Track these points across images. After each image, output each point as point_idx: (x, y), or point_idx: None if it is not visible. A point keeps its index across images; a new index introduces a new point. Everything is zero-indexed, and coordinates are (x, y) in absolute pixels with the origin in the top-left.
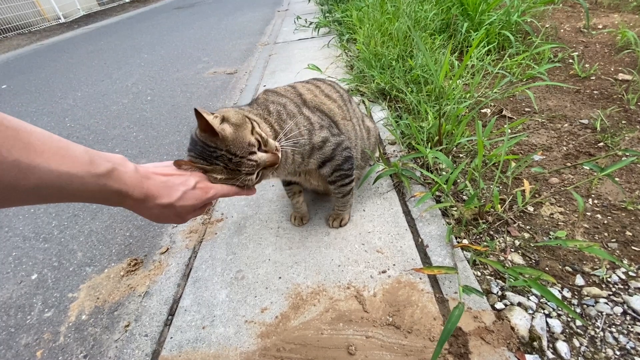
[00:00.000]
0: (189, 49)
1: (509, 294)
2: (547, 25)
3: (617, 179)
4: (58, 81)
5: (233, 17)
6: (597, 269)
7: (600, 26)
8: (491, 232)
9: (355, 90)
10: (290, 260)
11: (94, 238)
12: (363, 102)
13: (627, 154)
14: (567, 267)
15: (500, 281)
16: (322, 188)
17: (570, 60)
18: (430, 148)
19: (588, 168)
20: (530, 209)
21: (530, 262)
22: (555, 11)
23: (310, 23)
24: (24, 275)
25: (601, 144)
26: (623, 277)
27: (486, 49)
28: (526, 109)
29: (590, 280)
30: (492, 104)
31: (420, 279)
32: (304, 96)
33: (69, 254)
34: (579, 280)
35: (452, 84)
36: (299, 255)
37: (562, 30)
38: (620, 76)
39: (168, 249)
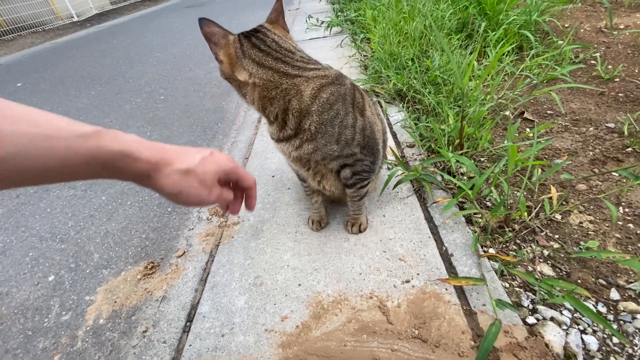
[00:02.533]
0: (201, 47)
1: (540, 307)
2: (566, 25)
3: None
4: (72, 79)
5: (244, 16)
6: (632, 282)
7: (622, 26)
8: (518, 241)
9: (370, 90)
10: (310, 267)
11: (110, 239)
12: (379, 103)
13: None
14: (600, 280)
15: (530, 293)
16: (335, 193)
17: (592, 62)
18: (452, 151)
19: (617, 175)
20: (558, 217)
21: (560, 273)
22: (575, 10)
23: (322, 22)
24: (40, 276)
25: (629, 149)
26: None
27: (505, 48)
28: (548, 112)
29: (626, 294)
30: (512, 105)
31: (446, 289)
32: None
33: (85, 255)
34: (614, 294)
35: (476, 86)
36: (318, 262)
37: (582, 30)
38: None
39: (185, 252)
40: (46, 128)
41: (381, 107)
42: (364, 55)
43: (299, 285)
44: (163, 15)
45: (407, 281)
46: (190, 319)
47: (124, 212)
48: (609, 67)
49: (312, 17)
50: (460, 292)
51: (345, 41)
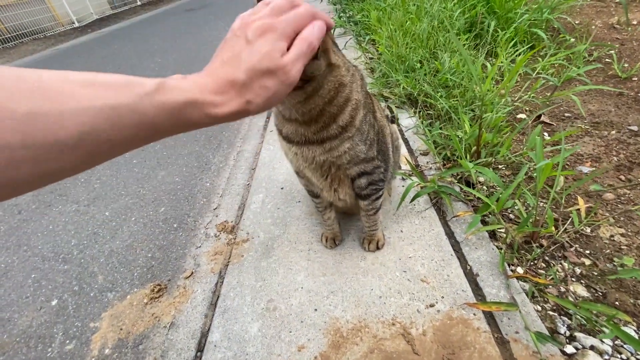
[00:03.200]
0: (202, 52)
1: (578, 335)
2: (577, 22)
3: None
4: None
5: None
6: None
7: (635, 22)
8: (547, 258)
9: (379, 95)
10: (326, 290)
11: (115, 259)
12: (389, 108)
13: None
14: (639, 301)
15: (565, 318)
16: (348, 202)
17: (607, 59)
18: (469, 159)
19: None
20: (587, 230)
21: (596, 294)
22: (585, 6)
23: None
24: (43, 300)
25: None
26: None
27: (528, 56)
28: (565, 114)
29: None
30: (527, 108)
31: (474, 315)
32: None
33: (89, 277)
34: None
35: (491, 90)
36: (334, 284)
37: (593, 27)
38: None
39: (192, 272)
40: (111, 97)
41: (392, 112)
42: (370, 58)
43: (315, 310)
44: (163, 19)
45: (432, 305)
46: (200, 348)
47: (128, 229)
48: (625, 65)
49: None
50: (490, 317)
51: (349, 43)
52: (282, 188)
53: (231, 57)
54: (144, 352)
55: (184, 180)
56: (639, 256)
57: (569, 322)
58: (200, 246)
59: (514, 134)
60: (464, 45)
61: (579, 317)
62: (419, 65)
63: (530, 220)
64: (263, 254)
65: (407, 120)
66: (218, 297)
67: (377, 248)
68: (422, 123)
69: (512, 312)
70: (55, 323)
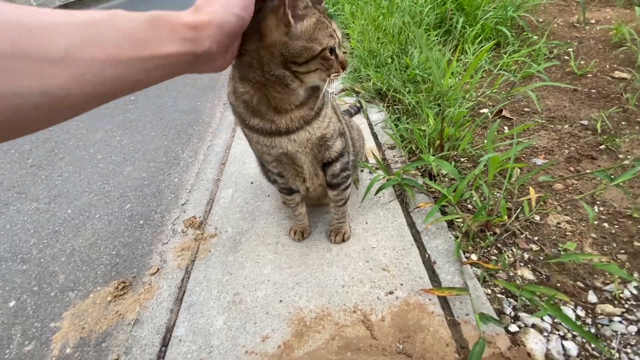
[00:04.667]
0: None
1: (522, 314)
2: (540, 20)
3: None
4: None
5: None
6: (608, 283)
7: (593, 21)
8: (499, 245)
9: (350, 90)
10: (291, 281)
11: (77, 258)
12: (359, 102)
13: (634, 163)
14: (578, 283)
15: (512, 300)
16: (319, 191)
17: (566, 57)
18: (432, 153)
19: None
20: (537, 217)
21: (540, 277)
22: (548, 5)
23: None
24: (0, 302)
25: (602, 146)
26: (635, 292)
27: (487, 48)
28: (525, 109)
29: (603, 296)
30: (491, 103)
31: (430, 300)
32: None
33: (49, 276)
34: (592, 297)
35: (456, 86)
36: (300, 275)
37: (555, 25)
38: (617, 74)
39: (159, 269)
40: (84, 17)
41: (361, 106)
42: (343, 52)
43: (280, 301)
44: (133, 6)
45: (391, 292)
46: (165, 343)
47: (92, 227)
48: (582, 62)
49: None
50: (444, 302)
51: None
52: (252, 182)
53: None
54: (107, 349)
55: (152, 176)
56: (581, 241)
57: (515, 303)
58: (167, 242)
59: (472, 128)
60: (434, 40)
61: (523, 299)
62: (390, 60)
63: (485, 210)
64: (231, 248)
65: (377, 114)
66: (184, 292)
67: (343, 240)
68: (390, 117)
69: (464, 296)
70: (13, 324)
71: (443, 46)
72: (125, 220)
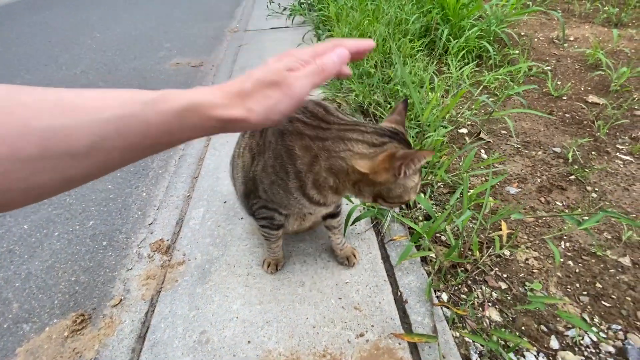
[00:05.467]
0: (150, 30)
1: None
2: (522, 34)
3: (585, 217)
4: None
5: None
6: (570, 328)
7: (572, 38)
8: (470, 282)
9: (332, 100)
10: (261, 319)
11: (33, 283)
12: None
13: (600, 209)
14: (542, 326)
15: (479, 345)
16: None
17: (544, 75)
18: None
19: (562, 204)
20: (507, 253)
21: (507, 319)
22: (531, 18)
23: (285, 9)
24: None
25: (572, 176)
26: (595, 339)
27: (468, 62)
28: (502, 131)
29: (564, 342)
30: (469, 123)
31: (399, 344)
32: None
33: (2, 304)
34: (554, 342)
35: (435, 114)
36: (270, 313)
37: (535, 40)
38: (591, 98)
39: (121, 300)
40: (117, 108)
41: None
42: None
43: (249, 342)
44: None
45: (362, 335)
46: None
47: (49, 247)
48: (559, 83)
49: (273, 2)
50: (413, 346)
51: (307, 36)
52: (225, 202)
53: (248, 74)
54: None
55: (118, 189)
56: (547, 280)
57: (481, 348)
58: (131, 268)
59: (450, 156)
60: (418, 50)
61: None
62: (373, 70)
63: (458, 248)
64: (199, 278)
65: None
66: (148, 328)
67: (355, 257)
68: None
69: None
70: None
71: (427, 56)
72: (87, 240)
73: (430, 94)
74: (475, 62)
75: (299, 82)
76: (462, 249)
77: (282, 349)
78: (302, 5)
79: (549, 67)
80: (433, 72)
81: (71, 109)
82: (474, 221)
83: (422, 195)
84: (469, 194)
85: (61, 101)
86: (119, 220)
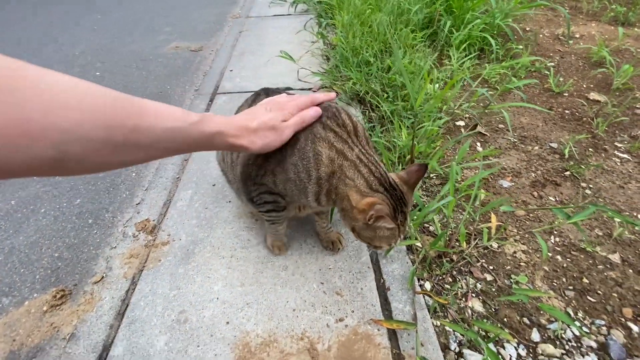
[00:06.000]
0: (150, 13)
1: (466, 351)
2: (527, 29)
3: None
4: None
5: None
6: (552, 321)
7: (577, 35)
8: (455, 273)
9: (329, 88)
10: (241, 301)
11: (15, 258)
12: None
13: (591, 203)
14: (524, 319)
15: (459, 334)
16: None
17: (547, 72)
18: (402, 169)
19: (554, 199)
20: (495, 245)
21: (490, 310)
22: (537, 13)
23: None
24: None
25: (568, 172)
26: (577, 333)
27: (469, 56)
28: (500, 125)
29: (546, 335)
30: (467, 115)
31: (378, 330)
32: None
33: None
34: (535, 335)
35: (433, 101)
36: (251, 295)
37: (540, 36)
38: (592, 95)
39: (103, 277)
40: (174, 122)
41: None
42: (328, 44)
43: (228, 323)
44: None
45: (341, 319)
46: None
47: (35, 223)
48: (561, 79)
49: None
50: (392, 333)
51: (309, 24)
52: (213, 185)
53: (252, 115)
54: None
55: None
56: (533, 273)
57: (462, 338)
58: (115, 247)
59: (444, 146)
60: (420, 41)
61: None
62: (372, 59)
63: (444, 238)
64: (182, 259)
65: None
66: (127, 305)
67: (340, 244)
68: (365, 125)
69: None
70: None
71: (429, 47)
72: (73, 217)
73: (429, 85)
74: (476, 54)
75: (288, 130)
76: (448, 240)
77: (260, 331)
78: None
79: (552, 63)
80: (433, 64)
81: (147, 114)
82: (462, 212)
83: None
84: (460, 184)
85: (143, 108)
86: (107, 200)
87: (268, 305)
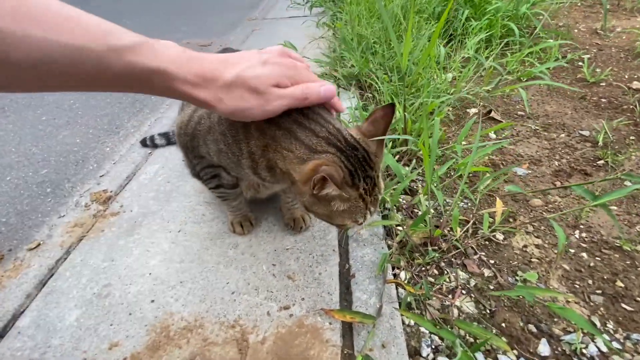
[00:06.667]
0: (172, 16)
1: (441, 359)
2: (560, 24)
3: (614, 207)
4: None
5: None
6: (570, 331)
7: (619, 29)
8: (442, 264)
9: (329, 74)
10: (175, 279)
11: None
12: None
13: (631, 180)
14: (530, 326)
15: (436, 337)
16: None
17: (580, 63)
18: (394, 148)
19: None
20: (500, 237)
21: (483, 312)
22: (572, 10)
23: (307, 1)
24: None
25: (601, 161)
26: (604, 348)
27: (479, 37)
28: (519, 112)
29: (559, 349)
30: (481, 103)
31: (330, 324)
32: None
33: None
34: (544, 348)
35: (436, 75)
36: (188, 272)
37: (575, 31)
38: (635, 84)
39: (39, 244)
40: (81, 38)
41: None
42: (336, 37)
43: (152, 301)
44: None
45: (286, 307)
46: (4, 333)
47: None
48: (597, 70)
49: None
50: (348, 329)
51: (323, 20)
52: (183, 160)
53: (233, 61)
54: None
55: (84, 143)
56: (547, 272)
57: (439, 343)
58: (63, 216)
59: (428, 123)
60: (433, 31)
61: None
62: (377, 46)
63: (430, 218)
64: (126, 230)
65: (346, 102)
66: (52, 275)
67: (304, 222)
68: (359, 105)
69: (376, 325)
70: None
71: (443, 38)
72: (33, 186)
73: (439, 73)
74: (498, 46)
75: (277, 102)
76: (437, 226)
77: (186, 313)
78: None
79: (588, 56)
80: (447, 52)
81: (38, 20)
82: (466, 200)
83: (389, 155)
84: (459, 162)
85: (23, 4)
86: (72, 171)
87: (203, 286)
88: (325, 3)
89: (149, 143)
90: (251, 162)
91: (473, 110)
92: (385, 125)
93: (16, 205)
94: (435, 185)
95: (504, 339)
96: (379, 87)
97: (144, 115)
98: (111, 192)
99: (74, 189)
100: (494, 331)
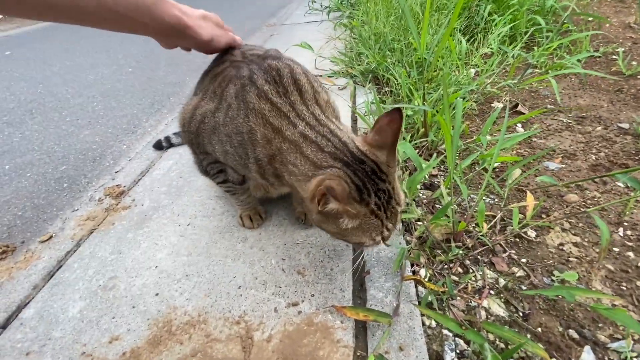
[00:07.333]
0: None
1: None
2: (590, 19)
3: None
4: (55, 52)
5: (250, 0)
6: (618, 338)
7: None
8: (467, 262)
9: (345, 72)
10: (181, 272)
11: None
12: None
13: None
14: (571, 331)
15: (461, 341)
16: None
17: (614, 56)
18: (413, 141)
19: (623, 185)
20: (532, 234)
21: (515, 314)
22: (602, 5)
23: (325, 7)
24: None
25: None
26: None
27: (503, 30)
28: (548, 106)
29: (606, 357)
30: (507, 98)
31: (341, 322)
32: None
33: None
34: (587, 356)
35: (458, 71)
36: (194, 266)
37: (607, 25)
38: None
39: (52, 236)
40: None
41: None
42: (353, 37)
43: (156, 295)
44: None
45: (295, 304)
46: (6, 325)
47: (17, 184)
48: (633, 63)
49: (315, 1)
50: (362, 328)
51: (340, 22)
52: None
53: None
54: None
55: (103, 141)
56: (589, 272)
57: (465, 347)
58: (77, 209)
59: (471, 119)
60: (454, 27)
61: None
62: (395, 44)
63: (452, 212)
64: (136, 223)
65: (363, 97)
66: (60, 267)
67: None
68: (375, 100)
69: (392, 325)
70: None
71: (464, 35)
72: (51, 181)
73: (461, 67)
74: (523, 42)
75: (228, 36)
76: (464, 217)
77: (190, 308)
78: (344, 3)
79: (622, 49)
80: (468, 49)
81: None
82: (492, 195)
83: (407, 143)
84: (484, 154)
85: None
86: (90, 167)
87: (209, 280)
88: (342, 6)
89: (164, 144)
90: (258, 168)
91: (498, 105)
92: (394, 133)
93: (33, 200)
94: (459, 177)
95: (540, 345)
96: (397, 80)
97: (162, 115)
98: (124, 187)
99: (90, 184)
100: (529, 336)
